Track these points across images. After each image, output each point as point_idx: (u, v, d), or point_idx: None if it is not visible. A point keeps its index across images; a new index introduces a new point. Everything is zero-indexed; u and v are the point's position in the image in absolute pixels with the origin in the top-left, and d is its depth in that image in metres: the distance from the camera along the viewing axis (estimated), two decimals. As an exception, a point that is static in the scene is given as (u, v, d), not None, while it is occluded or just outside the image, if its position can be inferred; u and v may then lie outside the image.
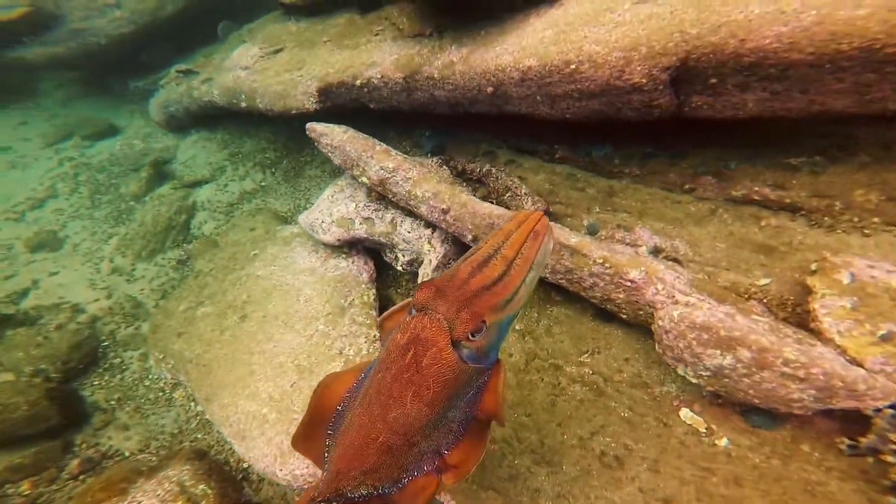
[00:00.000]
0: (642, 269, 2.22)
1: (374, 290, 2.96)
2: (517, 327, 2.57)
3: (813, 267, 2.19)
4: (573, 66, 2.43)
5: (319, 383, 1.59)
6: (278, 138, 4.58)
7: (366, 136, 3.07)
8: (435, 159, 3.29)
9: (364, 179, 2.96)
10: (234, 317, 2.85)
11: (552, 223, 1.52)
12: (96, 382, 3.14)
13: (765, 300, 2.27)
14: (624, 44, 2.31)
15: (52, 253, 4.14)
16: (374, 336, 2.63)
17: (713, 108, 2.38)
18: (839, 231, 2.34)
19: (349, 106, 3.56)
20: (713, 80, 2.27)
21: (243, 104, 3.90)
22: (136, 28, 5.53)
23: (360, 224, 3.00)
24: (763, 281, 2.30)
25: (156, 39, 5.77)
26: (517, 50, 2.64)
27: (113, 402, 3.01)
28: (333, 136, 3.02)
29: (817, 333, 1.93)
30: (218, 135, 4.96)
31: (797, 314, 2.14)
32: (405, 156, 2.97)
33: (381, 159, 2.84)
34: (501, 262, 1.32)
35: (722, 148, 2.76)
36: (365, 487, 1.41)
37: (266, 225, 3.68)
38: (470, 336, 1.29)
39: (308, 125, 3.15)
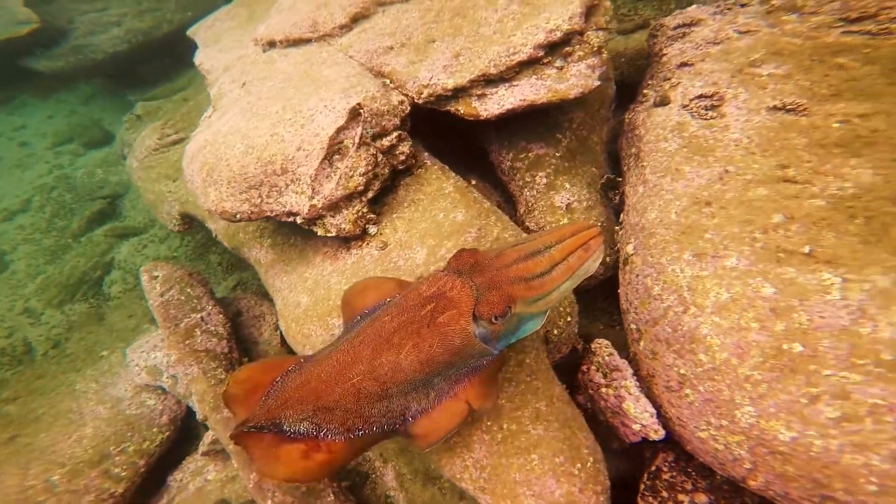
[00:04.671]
0: None
1: (167, 434, 2.74)
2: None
3: None
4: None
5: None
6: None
7: (188, 299, 2.72)
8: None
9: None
10: (7, 434, 2.71)
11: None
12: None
13: None
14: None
15: (-6, 276, 4.19)
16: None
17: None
18: None
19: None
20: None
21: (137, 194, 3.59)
22: (130, 47, 5.32)
23: (167, 379, 2.74)
24: None
25: (153, 54, 5.42)
26: (281, 303, 2.14)
27: None
28: (150, 294, 2.69)
29: None
30: (167, 181, 4.69)
31: None
32: (225, 338, 2.59)
33: (169, 346, 2.51)
34: (547, 261, 1.22)
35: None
36: (307, 425, 1.22)
37: (143, 316, 3.48)
38: (493, 318, 1.19)
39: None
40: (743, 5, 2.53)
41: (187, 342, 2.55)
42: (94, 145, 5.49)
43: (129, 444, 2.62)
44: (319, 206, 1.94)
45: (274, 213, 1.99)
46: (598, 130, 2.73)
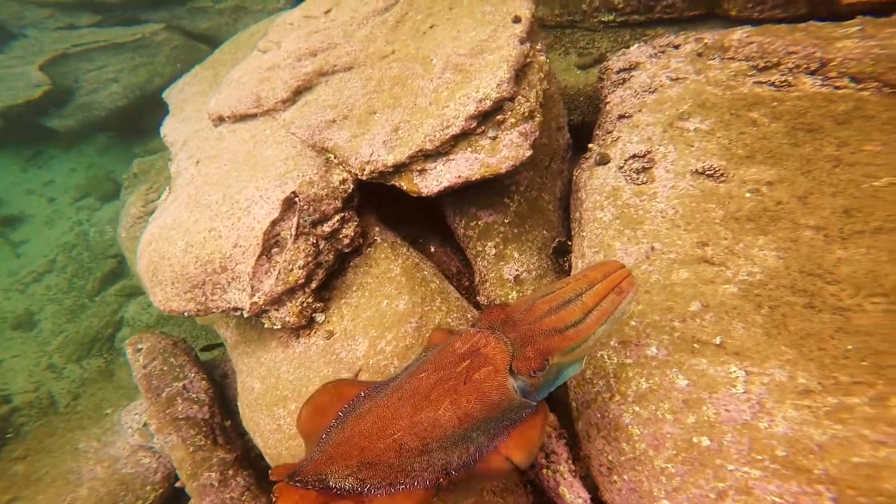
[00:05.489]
0: None
1: (160, 491, 2.83)
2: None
3: None
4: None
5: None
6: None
7: (171, 369, 2.78)
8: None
9: (151, 414, 2.73)
10: (7, 496, 2.80)
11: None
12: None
13: None
14: None
15: (24, 334, 4.45)
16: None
17: None
18: None
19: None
20: None
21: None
22: (129, 101, 5.50)
23: (156, 441, 2.83)
24: None
25: (150, 108, 5.62)
26: (239, 385, 2.16)
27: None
28: (133, 366, 2.77)
29: None
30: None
31: None
32: (206, 404, 2.65)
33: (150, 416, 2.59)
34: (580, 309, 1.18)
35: None
36: (352, 481, 1.22)
37: (144, 369, 3.61)
38: (532, 373, 1.17)
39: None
40: (676, 47, 2.38)
41: (168, 411, 2.62)
42: (108, 199, 5.72)
43: (121, 503, 2.73)
44: (261, 302, 1.94)
45: (220, 310, 2.00)
46: (549, 187, 2.60)
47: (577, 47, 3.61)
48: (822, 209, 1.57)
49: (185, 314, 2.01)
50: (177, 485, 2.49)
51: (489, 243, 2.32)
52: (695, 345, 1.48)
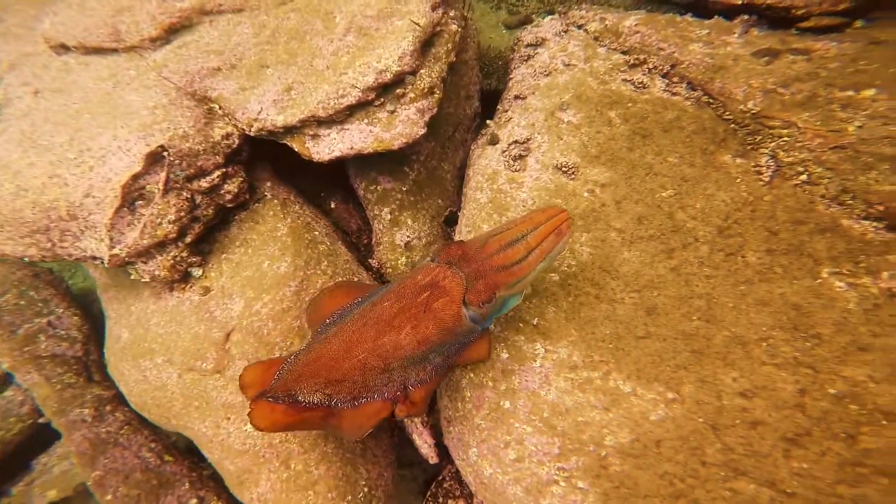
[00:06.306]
0: None
1: (28, 422, 2.66)
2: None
3: None
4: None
5: (313, 298, 1.58)
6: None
7: (30, 303, 2.51)
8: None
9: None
10: None
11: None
12: None
13: None
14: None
15: None
16: None
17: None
18: None
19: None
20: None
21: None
22: None
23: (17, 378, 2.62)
24: None
25: None
26: (107, 332, 2.01)
27: None
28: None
29: None
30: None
31: None
32: (79, 341, 2.43)
33: (2, 353, 2.37)
34: (524, 248, 1.33)
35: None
36: (320, 395, 1.35)
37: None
38: (481, 304, 1.31)
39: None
40: (580, 26, 2.35)
41: (27, 349, 2.41)
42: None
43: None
44: (123, 255, 1.80)
45: (75, 258, 1.82)
46: (449, 157, 2.62)
47: (508, 3, 3.47)
48: (627, 214, 1.77)
49: (26, 259, 1.80)
50: (40, 420, 2.39)
51: (385, 208, 2.34)
52: (520, 324, 1.76)
